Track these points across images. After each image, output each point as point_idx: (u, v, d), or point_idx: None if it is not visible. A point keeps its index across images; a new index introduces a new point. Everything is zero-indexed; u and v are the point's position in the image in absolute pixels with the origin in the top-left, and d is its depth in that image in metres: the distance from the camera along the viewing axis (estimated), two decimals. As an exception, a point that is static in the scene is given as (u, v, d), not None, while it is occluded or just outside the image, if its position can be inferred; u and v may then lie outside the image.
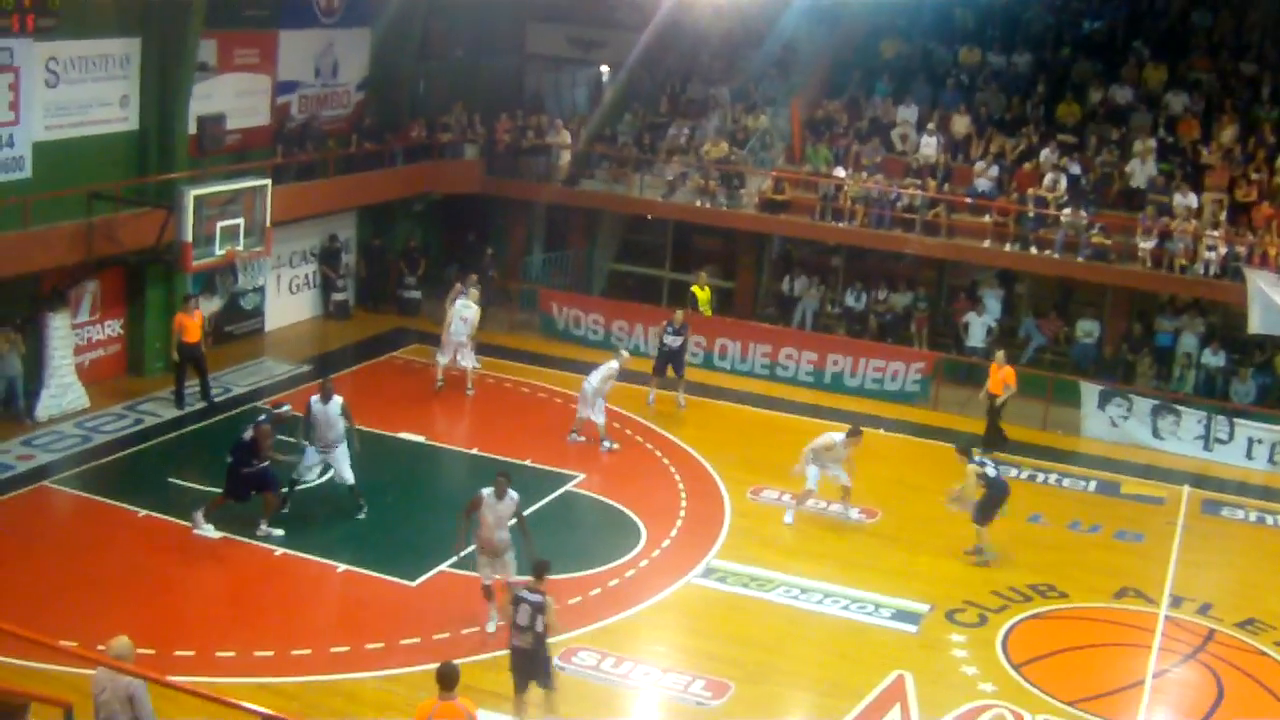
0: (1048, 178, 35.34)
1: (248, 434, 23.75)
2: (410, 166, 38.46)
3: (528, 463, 28.25)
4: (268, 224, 31.07)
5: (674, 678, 20.27)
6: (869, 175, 36.77)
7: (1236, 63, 38.49)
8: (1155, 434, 32.02)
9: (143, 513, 24.53)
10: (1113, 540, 26.72)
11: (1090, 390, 32.69)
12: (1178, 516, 28.13)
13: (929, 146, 37.44)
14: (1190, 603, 23.89)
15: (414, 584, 22.53)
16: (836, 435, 26.48)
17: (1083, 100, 38.24)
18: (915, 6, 40.70)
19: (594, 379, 29.30)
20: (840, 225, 36.59)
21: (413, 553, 23.36)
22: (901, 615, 22.63)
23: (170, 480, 26.12)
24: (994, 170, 36.14)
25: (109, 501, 25.09)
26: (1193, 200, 34.08)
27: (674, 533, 25.45)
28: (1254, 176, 34.55)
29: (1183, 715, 20.70)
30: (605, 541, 24.95)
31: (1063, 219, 34.42)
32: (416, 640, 20.47)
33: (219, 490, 24.09)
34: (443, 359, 32.20)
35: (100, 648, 14.48)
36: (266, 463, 23.84)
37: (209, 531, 23.67)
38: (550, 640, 17.92)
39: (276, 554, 23.34)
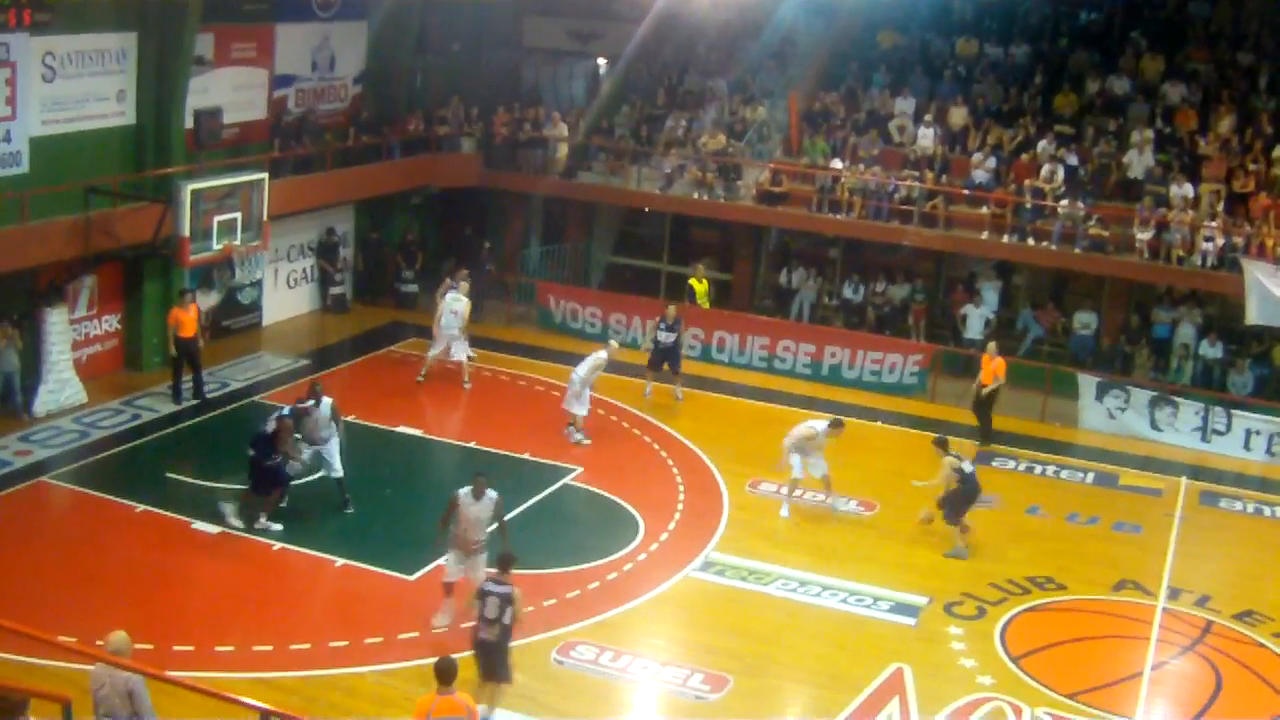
0: (1045, 169, 35.34)
1: (270, 426, 23.77)
2: (408, 160, 38.44)
3: (525, 456, 28.28)
4: (265, 218, 31.07)
5: (672, 671, 20.27)
6: (866, 167, 36.75)
7: (1234, 53, 38.50)
8: (1153, 425, 32.02)
9: (140, 507, 24.52)
10: (1111, 532, 26.72)
11: (1088, 382, 32.68)
12: (1176, 508, 28.14)
13: (926, 138, 37.43)
14: (1188, 594, 23.92)
15: (412, 578, 22.52)
16: (819, 424, 26.46)
17: (1080, 91, 38.23)
18: (912, -2, 40.75)
19: (581, 369, 29.27)
20: (838, 217, 36.57)
21: (410, 547, 23.32)
22: (900, 608, 22.64)
23: (168, 475, 26.12)
24: (991, 162, 36.15)
25: (107, 496, 25.07)
26: (1190, 191, 34.11)
27: (672, 526, 25.45)
28: (1251, 167, 34.54)
29: (1181, 707, 20.71)
30: (603, 535, 24.95)
31: (1060, 210, 34.44)
32: (415, 634, 20.48)
33: (216, 485, 24.12)
34: (433, 352, 32.27)
35: (98, 643, 14.49)
36: (281, 458, 23.85)
37: (273, 526, 23.78)
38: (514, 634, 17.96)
39: (275, 548, 23.34)
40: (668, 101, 41.12)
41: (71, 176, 28.85)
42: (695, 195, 37.95)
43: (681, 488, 27.23)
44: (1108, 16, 41.34)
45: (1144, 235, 33.63)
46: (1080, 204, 34.34)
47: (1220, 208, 33.92)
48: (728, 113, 39.99)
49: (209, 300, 33.65)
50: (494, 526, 20.56)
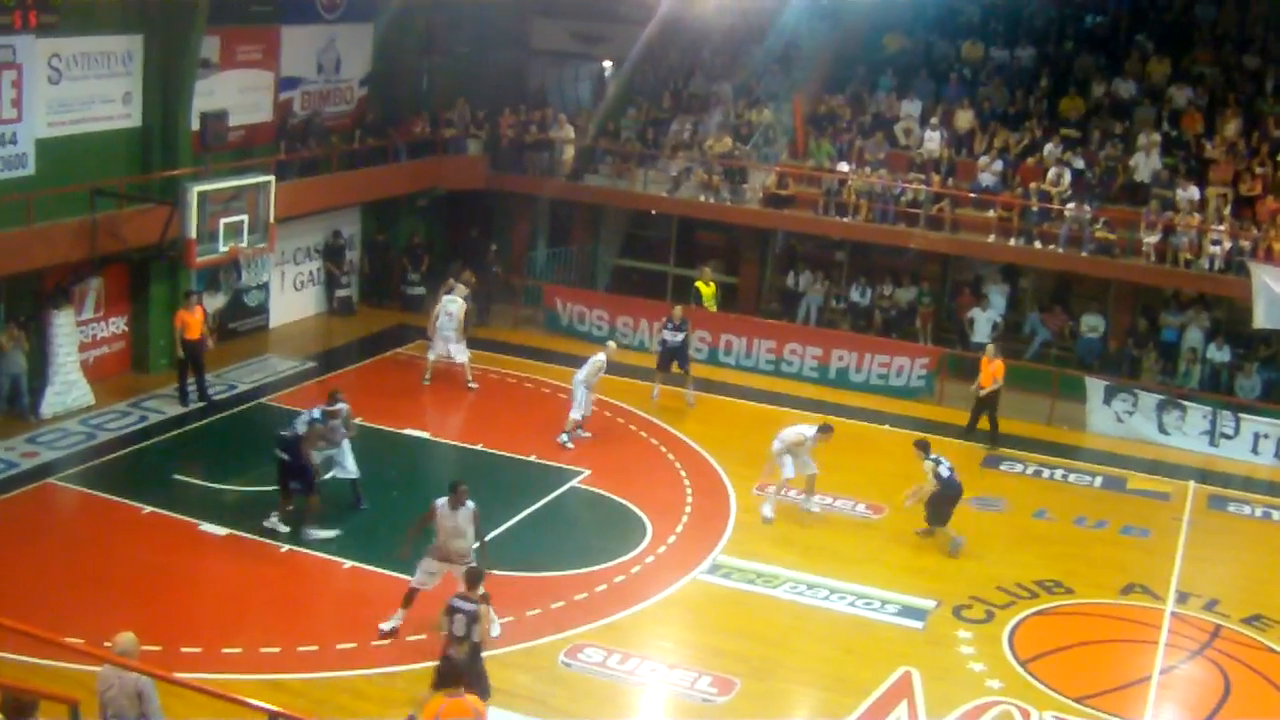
0: (1051, 172, 35.30)
1: (301, 430, 23.74)
2: (414, 162, 38.43)
3: (532, 458, 28.29)
4: (271, 220, 31.07)
5: (680, 674, 20.25)
6: (872, 170, 36.72)
7: (1240, 56, 38.45)
8: (1161, 429, 31.96)
9: (147, 509, 24.51)
10: (1119, 536, 26.68)
11: (1095, 385, 32.63)
12: (1184, 512, 28.08)
13: (932, 141, 37.38)
14: (1197, 598, 23.88)
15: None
16: (808, 429, 26.39)
17: (1086, 94, 38.20)
18: (918, 1, 40.67)
19: (582, 373, 29.31)
20: (844, 220, 36.54)
21: (418, 550, 23.26)
22: (908, 611, 22.60)
23: (175, 477, 26.16)
24: (998, 165, 36.09)
25: (114, 498, 25.08)
26: (1196, 194, 34.05)
27: (679, 529, 25.43)
28: (1258, 170, 34.48)
29: (1189, 711, 20.67)
30: (610, 538, 24.93)
31: (1066, 213, 34.38)
32: (423, 637, 20.41)
33: (225, 487, 24.11)
34: (433, 354, 32.33)
35: (106, 644, 14.47)
36: (304, 460, 23.87)
37: (325, 533, 23.71)
38: (485, 651, 17.88)
39: (282, 550, 23.33)
40: (673, 104, 41.10)
41: (78, 178, 28.86)
42: (701, 198, 37.93)
43: (689, 490, 27.18)
44: (1113, 20, 41.28)
45: (1151, 239, 33.60)
46: (1087, 207, 34.29)
47: (1227, 211, 33.86)
48: (733, 116, 39.97)
49: (216, 302, 33.70)
50: (476, 545, 20.45)
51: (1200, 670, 21.71)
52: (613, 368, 30.71)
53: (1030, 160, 36.37)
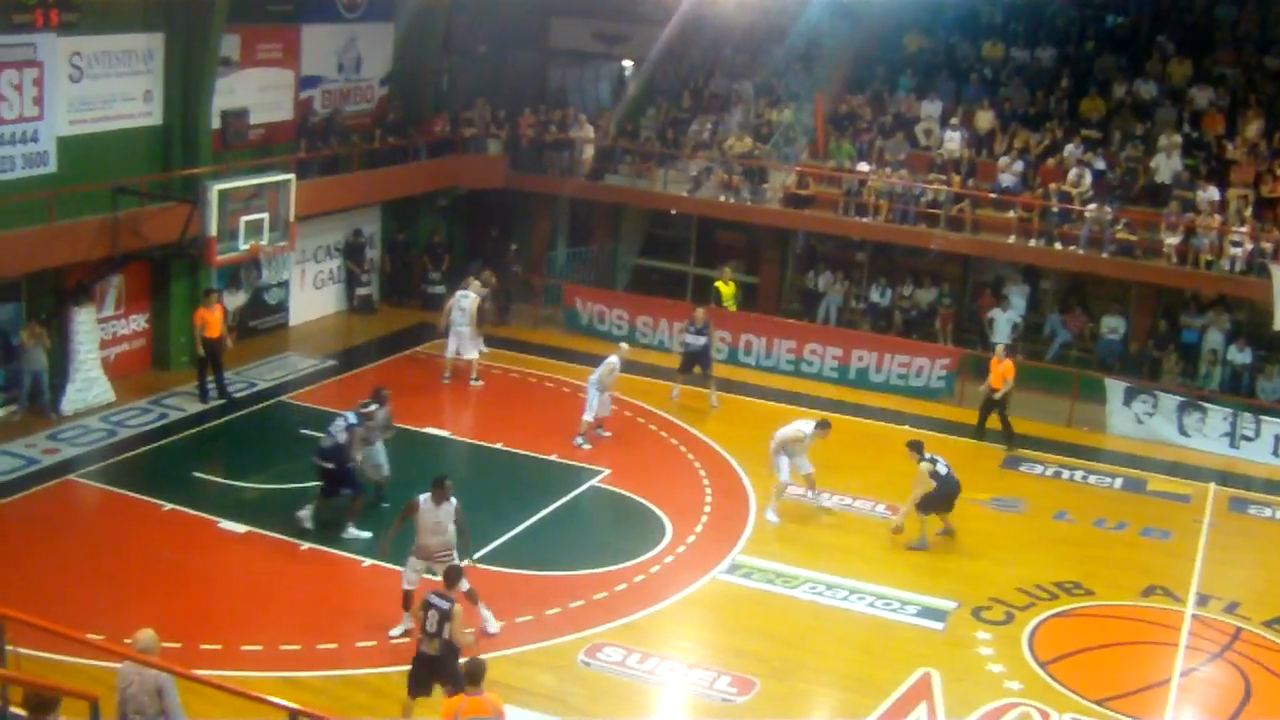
0: (1072, 173, 35.22)
1: (342, 438, 23.74)
2: (434, 161, 38.47)
3: (553, 458, 28.31)
4: (292, 219, 31.13)
5: (699, 674, 20.24)
6: (893, 170, 36.68)
7: (1261, 57, 38.31)
8: (1181, 431, 31.88)
9: (168, 506, 24.58)
10: (1139, 538, 26.60)
11: (1116, 387, 32.56)
12: (1204, 514, 27.99)
13: (953, 141, 37.32)
14: (1217, 601, 23.79)
15: (438, 578, 22.42)
16: (806, 426, 26.37)
17: (1107, 95, 38.10)
18: (938, 1, 40.61)
19: (595, 374, 29.33)
20: (864, 220, 36.51)
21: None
22: (928, 612, 22.57)
23: (195, 474, 26.23)
24: (1018, 165, 36.01)
25: (134, 495, 25.16)
26: (1217, 195, 33.96)
27: (699, 528, 25.42)
28: (1279, 172, 34.35)
29: (1210, 714, 20.58)
30: (630, 537, 24.92)
31: (1087, 214, 34.29)
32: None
33: (245, 485, 24.14)
34: (449, 351, 32.44)
35: (126, 641, 14.48)
36: (350, 463, 23.90)
37: (362, 534, 23.71)
38: (460, 648, 17.73)
39: (302, 548, 23.37)
40: (693, 104, 41.10)
41: (99, 176, 28.92)
42: (721, 198, 37.90)
43: (708, 490, 27.16)
44: (1134, 20, 41.17)
45: (1172, 240, 33.50)
46: (1107, 208, 34.20)
47: (1248, 212, 33.75)
48: (754, 115, 39.96)
49: (236, 300, 33.79)
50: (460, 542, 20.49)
51: (1221, 673, 21.63)
52: (632, 367, 30.74)
53: (1051, 161, 36.28)
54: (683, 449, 29.54)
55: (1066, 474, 29.72)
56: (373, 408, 24.62)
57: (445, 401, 31.92)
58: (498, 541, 23.91)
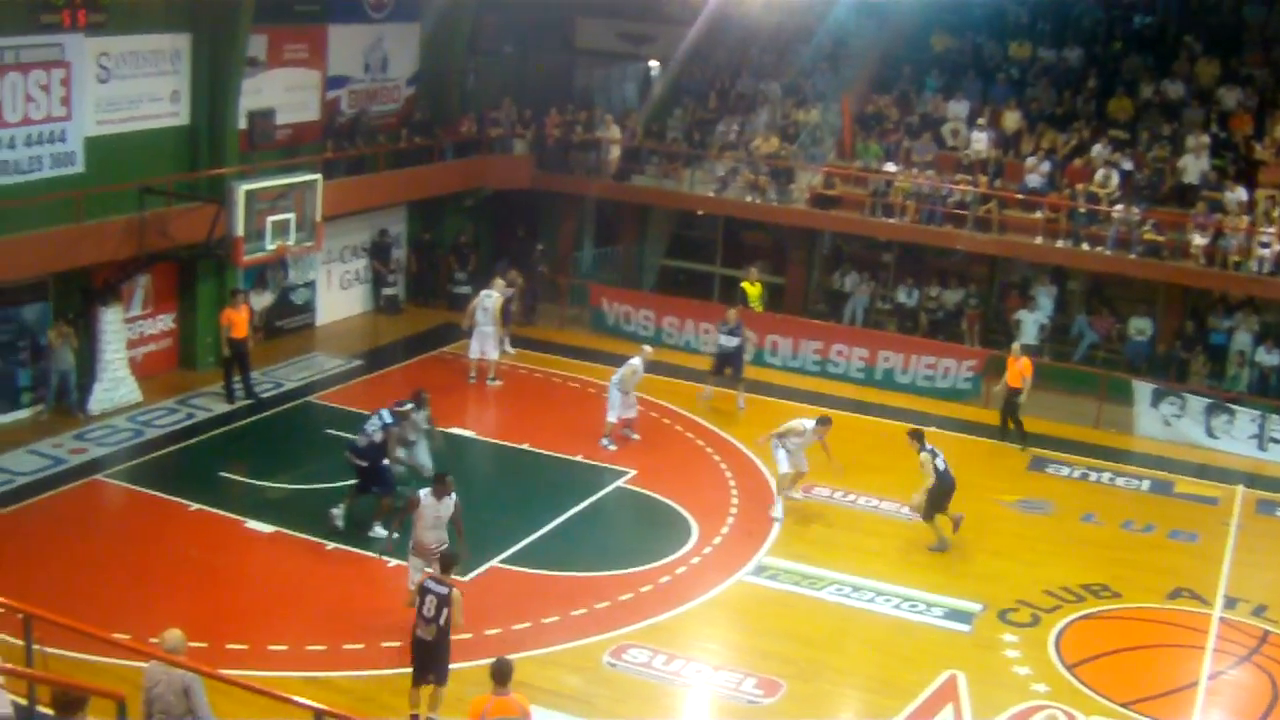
0: (1099, 173, 35.11)
1: (378, 437, 23.79)
2: (460, 161, 38.51)
3: (579, 458, 28.32)
4: (318, 219, 31.14)
5: (725, 675, 20.23)
6: (920, 171, 36.60)
7: (1290, 58, 38.23)
8: (1209, 433, 31.74)
9: (194, 506, 24.65)
10: (1166, 540, 26.50)
11: (1143, 389, 32.44)
12: (1232, 516, 27.86)
13: (980, 142, 37.22)
14: (1245, 604, 23.69)
15: (465, 579, 22.46)
16: (807, 422, 26.30)
17: (1134, 95, 37.98)
18: (965, 1, 40.54)
19: (616, 376, 29.32)
20: (891, 221, 36.44)
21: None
22: (954, 614, 22.52)
23: (221, 474, 26.30)
24: (1045, 166, 35.91)
25: (161, 495, 25.22)
26: (1245, 196, 33.81)
27: (725, 530, 25.40)
28: (1308, 172, 34.31)
29: (1237, 718, 20.51)
30: (656, 538, 24.91)
31: (1115, 215, 34.18)
32: (468, 636, 20.39)
33: (271, 484, 24.18)
34: (473, 351, 32.52)
35: (153, 641, 14.51)
36: (384, 462, 23.94)
37: (383, 532, 23.62)
38: (454, 634, 17.90)
39: (328, 548, 23.40)
40: (720, 104, 41.06)
41: (126, 176, 29.01)
42: (748, 198, 37.86)
43: (734, 491, 27.11)
44: (1162, 20, 41.04)
45: (1199, 241, 33.35)
46: (1135, 209, 34.07)
47: (1276, 213, 33.57)
48: (780, 116, 39.91)
49: (263, 300, 33.85)
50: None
51: (1248, 676, 21.54)
52: (657, 368, 30.76)
53: (1078, 161, 36.17)
54: (709, 450, 29.50)
55: (1094, 476, 29.62)
56: (408, 406, 24.67)
57: (470, 402, 31.97)
58: (524, 542, 23.97)
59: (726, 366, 31.97)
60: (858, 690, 20.41)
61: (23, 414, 28.42)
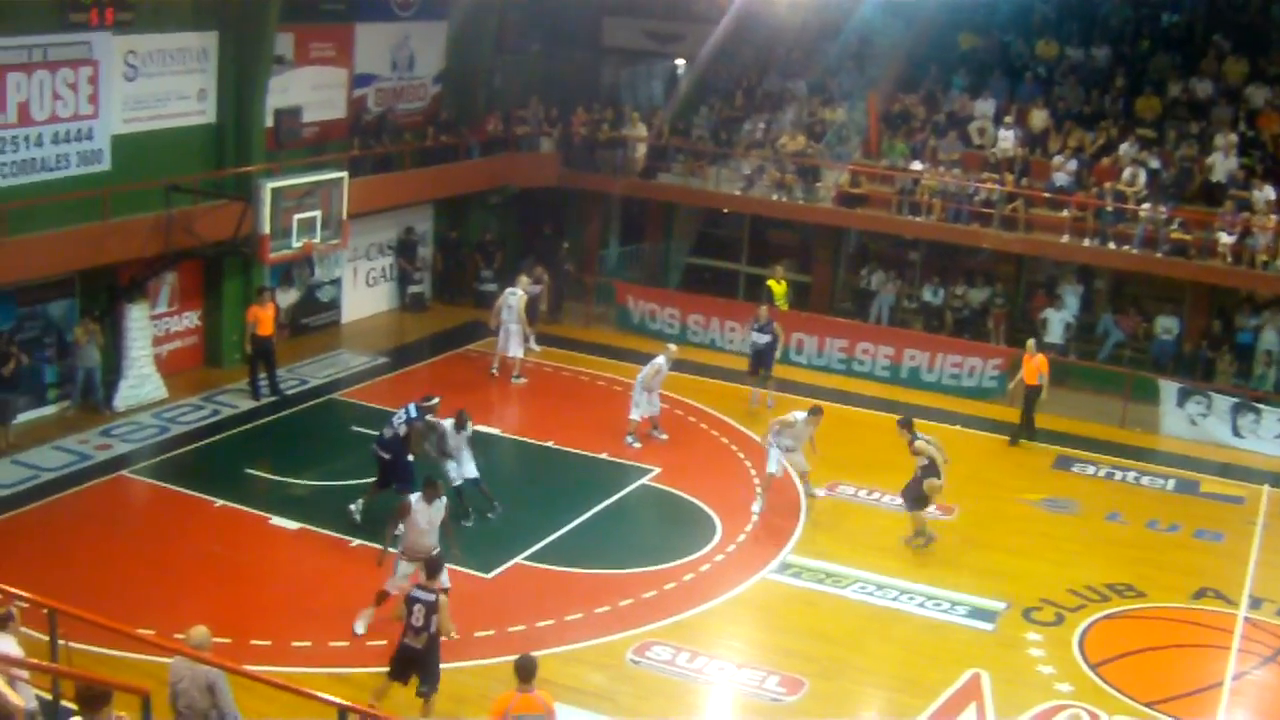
0: (1127, 172, 34.99)
1: (402, 430, 23.87)
2: (486, 159, 38.52)
3: (603, 456, 28.35)
4: (344, 217, 31.24)
5: (749, 673, 20.24)
6: (946, 169, 36.53)
7: (1318, 56, 38.08)
8: (1235, 432, 31.64)
9: (219, 503, 24.74)
10: (1192, 540, 26.43)
11: (1169, 388, 32.34)
12: (1258, 516, 27.77)
13: (1006, 140, 37.11)
14: (1270, 604, 23.60)
15: (489, 576, 22.56)
16: (799, 413, 26.28)
17: (1162, 94, 37.86)
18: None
19: (642, 375, 29.32)
20: (917, 219, 36.37)
21: (488, 545, 23.39)
22: (978, 613, 22.48)
23: (247, 471, 26.40)
24: (1072, 164, 35.78)
25: (186, 491, 25.32)
26: (1273, 195, 33.62)
27: (749, 528, 25.39)
28: (1336, 171, 34.14)
29: (1262, 718, 20.48)
30: (680, 536, 24.91)
31: (1142, 214, 34.06)
32: (491, 632, 20.51)
33: (296, 481, 24.24)
34: (499, 349, 32.64)
35: (178, 637, 14.55)
36: (407, 457, 23.96)
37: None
38: (443, 640, 17.85)
39: (353, 544, 23.43)
40: (746, 103, 41.03)
41: (153, 174, 29.09)
42: (774, 197, 37.83)
43: (759, 489, 27.05)
44: (1190, 19, 40.92)
45: (1227, 239, 33.21)
46: (1162, 208, 33.94)
47: (1305, 213, 33.53)
48: (807, 114, 39.87)
49: (289, 298, 33.94)
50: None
51: (1273, 676, 21.49)
52: (683, 366, 30.75)
53: (1105, 160, 36.04)
54: (733, 448, 29.50)
55: (1119, 475, 29.54)
56: (435, 400, 24.61)
57: (495, 399, 31.99)
58: (548, 539, 23.99)
59: (760, 365, 31.95)
60: (880, 689, 20.38)
61: (49, 410, 28.55)
